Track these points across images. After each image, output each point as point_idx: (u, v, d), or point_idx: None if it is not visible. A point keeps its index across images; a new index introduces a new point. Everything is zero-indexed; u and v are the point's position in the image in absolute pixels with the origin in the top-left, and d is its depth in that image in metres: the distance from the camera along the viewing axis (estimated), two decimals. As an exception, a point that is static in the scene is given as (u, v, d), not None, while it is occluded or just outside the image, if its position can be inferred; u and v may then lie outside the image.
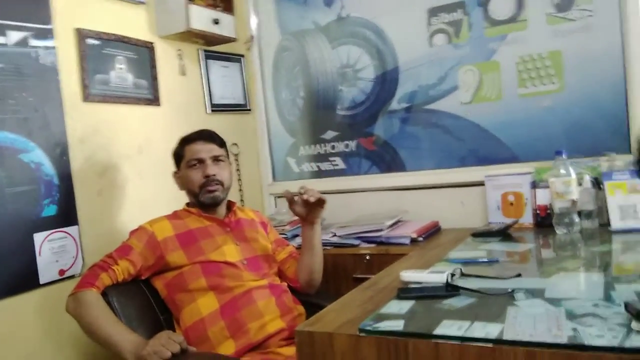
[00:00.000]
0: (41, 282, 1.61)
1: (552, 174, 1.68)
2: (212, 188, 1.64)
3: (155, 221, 1.63)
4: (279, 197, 2.61)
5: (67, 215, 1.70)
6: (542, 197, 1.80)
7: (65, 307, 1.47)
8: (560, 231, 1.65)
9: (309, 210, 1.67)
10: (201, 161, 1.66)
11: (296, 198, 1.66)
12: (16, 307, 1.54)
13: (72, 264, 1.70)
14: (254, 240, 1.70)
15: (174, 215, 1.67)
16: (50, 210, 1.65)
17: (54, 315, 1.60)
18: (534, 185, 1.85)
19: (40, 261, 1.61)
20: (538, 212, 1.82)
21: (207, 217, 1.66)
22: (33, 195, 1.61)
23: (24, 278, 1.57)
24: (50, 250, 1.64)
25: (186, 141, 1.70)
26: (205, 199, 1.65)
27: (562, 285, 1.13)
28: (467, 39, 2.10)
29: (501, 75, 2.05)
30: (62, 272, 1.66)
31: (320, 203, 1.65)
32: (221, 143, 1.73)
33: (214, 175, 1.64)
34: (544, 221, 1.79)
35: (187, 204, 1.72)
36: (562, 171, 1.64)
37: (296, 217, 2.27)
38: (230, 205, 1.76)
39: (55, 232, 1.66)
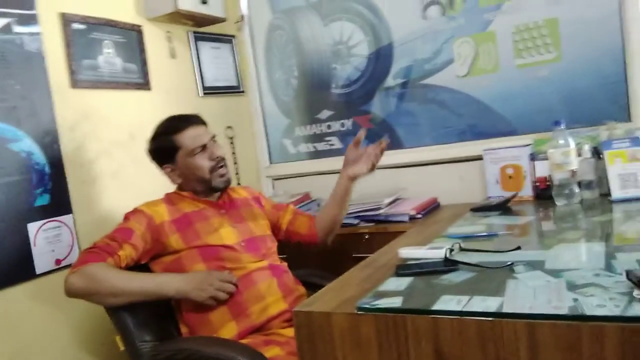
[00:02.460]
0: (37, 272, 1.60)
1: (550, 145, 1.65)
2: (223, 171, 1.62)
3: (151, 204, 1.59)
4: (276, 179, 2.59)
5: (60, 204, 1.68)
6: (542, 169, 1.77)
7: (67, 289, 1.38)
8: (560, 202, 1.63)
9: (358, 162, 1.68)
10: (204, 146, 1.61)
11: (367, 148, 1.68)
12: (13, 298, 1.54)
13: (69, 253, 1.69)
14: (250, 219, 1.67)
15: (168, 200, 1.63)
16: (43, 199, 1.63)
17: (51, 304, 1.59)
18: (533, 157, 1.82)
19: (36, 251, 1.59)
20: (537, 184, 1.80)
21: (201, 201, 1.64)
22: (25, 184, 1.59)
23: (20, 269, 1.56)
24: (45, 239, 1.62)
25: (175, 130, 1.60)
26: (218, 183, 1.62)
27: (562, 256, 1.11)
28: (461, 10, 2.06)
29: (497, 46, 2.01)
30: (58, 261, 1.65)
31: (372, 168, 1.67)
32: (206, 123, 1.69)
33: (222, 156, 1.63)
34: (544, 193, 1.76)
35: (179, 188, 1.67)
36: (561, 142, 1.62)
37: (295, 199, 2.27)
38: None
39: (50, 221, 1.64)
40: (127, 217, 1.55)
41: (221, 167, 1.62)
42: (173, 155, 1.61)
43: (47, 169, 1.65)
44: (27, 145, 1.60)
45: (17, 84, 1.59)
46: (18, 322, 1.55)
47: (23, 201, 1.58)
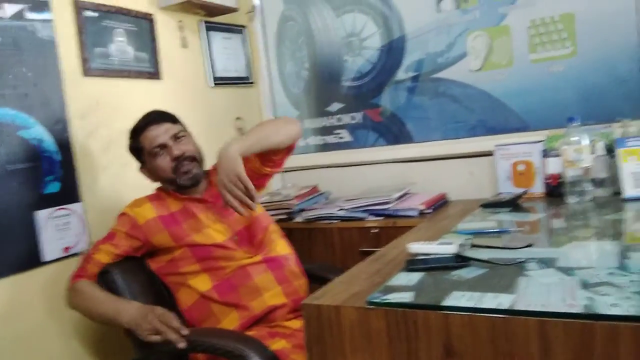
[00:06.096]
0: (45, 259, 1.60)
1: (564, 141, 1.63)
2: (185, 168, 1.55)
3: (136, 204, 1.58)
4: (284, 171, 2.58)
5: (70, 192, 1.68)
6: (554, 166, 1.75)
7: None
8: (571, 200, 1.61)
9: None
10: (163, 146, 1.55)
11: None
12: (19, 285, 1.54)
13: (78, 242, 1.69)
14: None
15: (156, 196, 1.61)
16: (54, 187, 1.64)
17: (59, 292, 1.58)
18: (545, 153, 1.80)
19: (44, 239, 1.59)
20: (549, 181, 1.78)
21: (185, 197, 1.59)
22: (35, 172, 1.59)
23: (27, 256, 1.56)
24: (55, 227, 1.62)
25: (137, 132, 1.58)
26: (184, 182, 1.56)
27: (574, 254, 1.10)
28: (476, 3, 2.03)
29: (512, 40, 1.98)
30: (67, 249, 1.65)
31: None
32: (173, 119, 1.61)
33: (183, 153, 1.55)
34: (555, 190, 1.74)
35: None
36: (574, 138, 1.60)
37: (303, 191, 2.26)
38: (208, 176, 1.66)
39: (59, 209, 1.64)
40: (116, 219, 1.57)
41: (184, 167, 1.55)
42: (141, 156, 1.61)
43: (57, 157, 1.65)
44: (37, 132, 1.60)
45: (29, 71, 1.59)
46: (23, 308, 1.55)
47: (33, 188, 1.58)
